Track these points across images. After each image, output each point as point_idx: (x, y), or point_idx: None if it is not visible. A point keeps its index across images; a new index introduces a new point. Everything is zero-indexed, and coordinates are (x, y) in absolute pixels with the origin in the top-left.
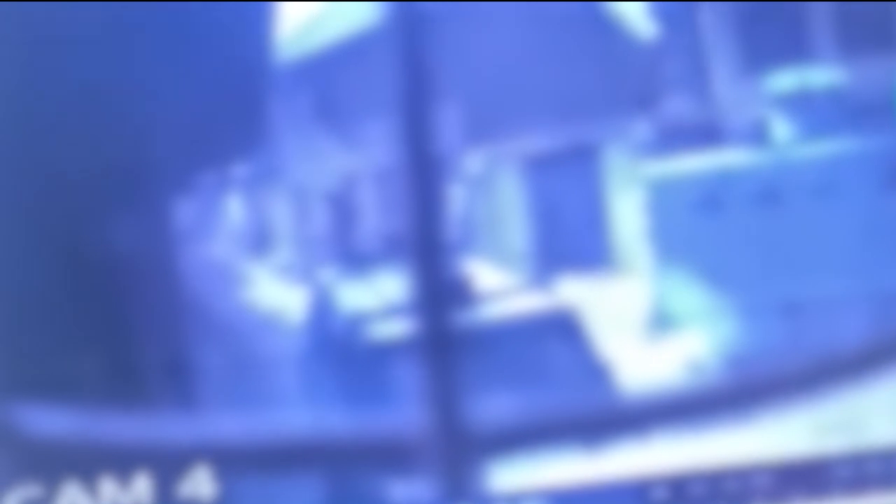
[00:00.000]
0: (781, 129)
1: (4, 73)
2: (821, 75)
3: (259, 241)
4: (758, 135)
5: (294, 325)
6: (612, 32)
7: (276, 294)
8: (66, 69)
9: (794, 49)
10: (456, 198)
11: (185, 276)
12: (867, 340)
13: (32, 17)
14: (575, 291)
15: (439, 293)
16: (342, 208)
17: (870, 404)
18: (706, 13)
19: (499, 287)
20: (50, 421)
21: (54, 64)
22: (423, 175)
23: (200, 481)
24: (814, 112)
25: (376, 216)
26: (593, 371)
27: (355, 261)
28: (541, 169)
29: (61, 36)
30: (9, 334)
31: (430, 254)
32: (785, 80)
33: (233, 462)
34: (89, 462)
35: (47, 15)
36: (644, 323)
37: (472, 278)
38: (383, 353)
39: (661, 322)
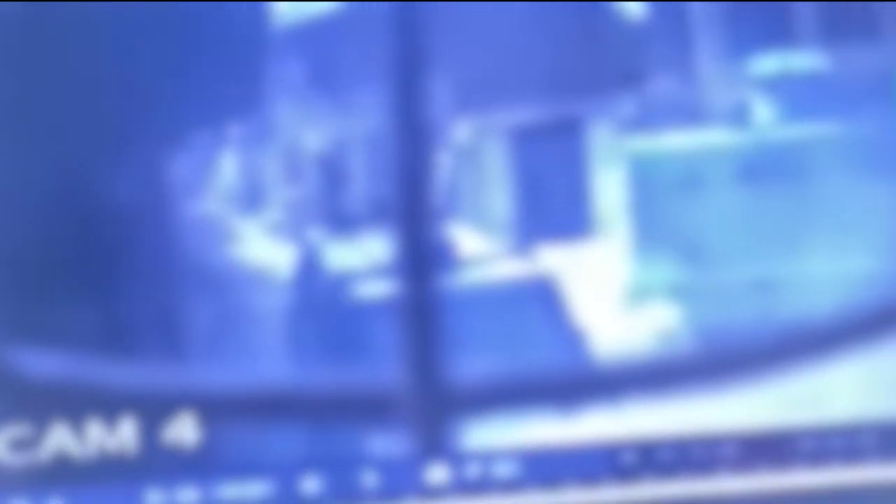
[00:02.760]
0: (762, 110)
1: (1, 30)
2: (803, 60)
3: (250, 200)
4: (739, 116)
5: (281, 282)
6: (601, 10)
7: (265, 251)
8: (67, 27)
9: (778, 33)
10: (443, 165)
11: (177, 230)
12: (835, 319)
13: None
14: (554, 260)
15: (423, 256)
16: (332, 171)
17: (835, 381)
18: None
19: (481, 253)
20: (41, 364)
21: (54, 22)
22: (412, 142)
23: (185, 427)
24: (795, 95)
25: (365, 180)
26: (569, 337)
27: (343, 222)
28: (526, 140)
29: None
30: (5, 282)
31: (415, 218)
32: (768, 63)
33: (217, 410)
34: (77, 404)
35: None
36: (620, 293)
37: (455, 243)
38: (366, 312)
39: (637, 293)
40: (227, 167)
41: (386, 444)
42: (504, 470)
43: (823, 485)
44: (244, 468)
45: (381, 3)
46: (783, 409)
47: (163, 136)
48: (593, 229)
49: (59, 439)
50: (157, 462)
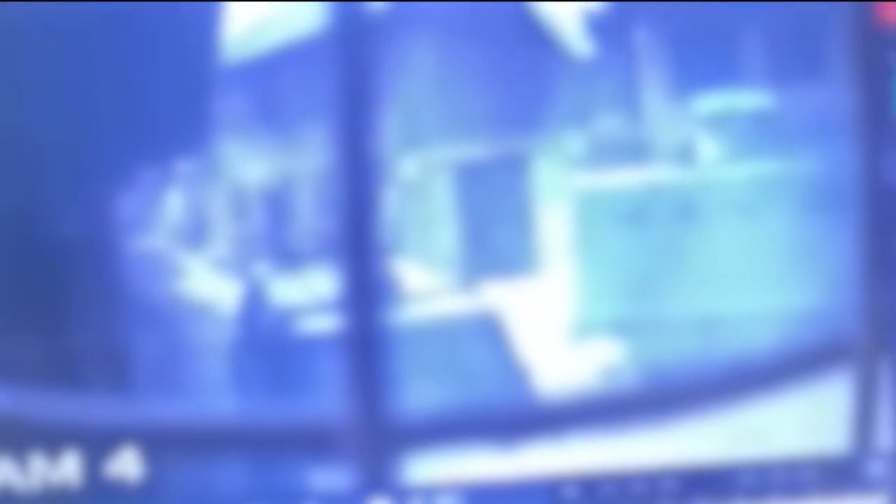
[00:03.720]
0: (708, 148)
1: None
2: (748, 98)
3: (196, 235)
4: (685, 153)
5: (226, 316)
6: (549, 47)
7: (210, 286)
8: (15, 63)
9: (724, 72)
10: (388, 200)
11: (123, 264)
12: (777, 355)
13: None
14: (499, 295)
15: (368, 291)
16: (278, 206)
17: (777, 416)
18: (640, 34)
19: (426, 288)
20: None
21: (3, 56)
22: (358, 177)
23: (128, 462)
24: (740, 133)
25: (311, 215)
26: (513, 372)
27: (288, 257)
28: (472, 176)
29: (11, 29)
30: None
31: (360, 253)
32: (713, 101)
33: (161, 445)
34: (20, 438)
35: None
36: (565, 328)
37: (400, 278)
38: (311, 346)
39: (581, 328)
40: (174, 202)
41: (330, 477)
42: None
43: None
44: (188, 502)
45: (327, 38)
46: (725, 443)
47: (109, 171)
48: (538, 265)
49: (3, 472)
50: (101, 496)
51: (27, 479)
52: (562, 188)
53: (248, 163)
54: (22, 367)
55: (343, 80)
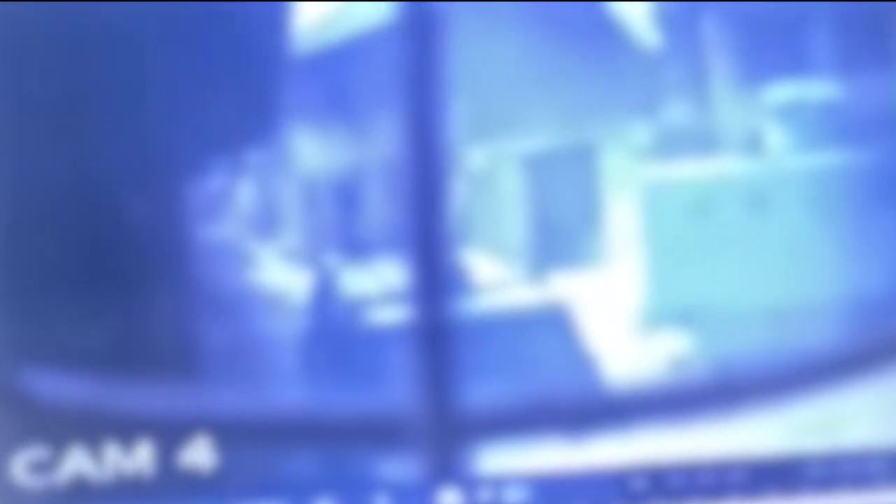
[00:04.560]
0: (776, 138)
1: (27, 56)
2: (817, 88)
3: (267, 225)
4: (753, 143)
5: (296, 307)
6: (616, 38)
7: (281, 276)
8: (90, 55)
9: (792, 61)
10: (457, 192)
11: (194, 254)
12: (846, 346)
13: (57, 5)
14: (567, 286)
15: (437, 282)
16: (348, 197)
17: (845, 408)
18: (708, 23)
19: (494, 279)
20: (58, 387)
21: (77, 49)
22: (427, 168)
23: (200, 451)
24: (808, 123)
25: (380, 206)
26: (581, 363)
27: (358, 248)
28: (540, 168)
29: (83, 21)
30: (23, 303)
31: (429, 244)
32: (782, 91)
33: (232, 434)
34: (94, 428)
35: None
36: (632, 320)
37: (469, 270)
38: (380, 337)
39: (649, 320)
40: (244, 192)
41: (398, 468)
42: (515, 495)
43: None
44: (258, 491)
45: (397, 29)
46: (793, 435)
47: (182, 161)
48: (606, 256)
49: (77, 462)
50: (173, 485)
51: (100, 468)
52: (630, 179)
53: (319, 153)
54: (94, 356)
55: (412, 70)
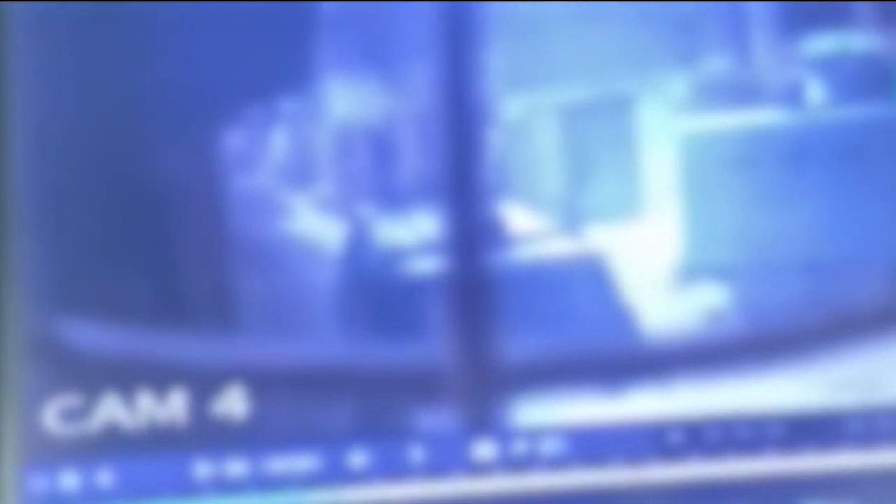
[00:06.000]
0: (816, 91)
1: (60, 9)
2: (858, 40)
3: (301, 175)
4: (793, 96)
5: (331, 256)
6: None
7: (315, 226)
8: (123, 5)
9: (834, 13)
10: (493, 142)
11: (228, 203)
12: (885, 300)
13: None
14: (604, 238)
15: (473, 233)
16: (382, 146)
17: (885, 362)
18: None
19: (531, 230)
20: (92, 335)
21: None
22: (463, 118)
23: (234, 400)
24: (849, 76)
25: (415, 156)
26: (618, 316)
27: (393, 198)
28: (577, 118)
29: None
30: (57, 252)
31: (465, 195)
32: (823, 43)
33: (266, 383)
34: (128, 376)
35: None
36: (669, 272)
37: (505, 220)
38: (416, 288)
39: (687, 272)
40: (279, 142)
41: (434, 419)
42: (550, 447)
43: (871, 466)
44: (292, 442)
45: None
46: (832, 390)
47: (214, 110)
48: (643, 208)
49: (110, 410)
50: (207, 434)
51: (134, 416)
52: (667, 131)
53: (353, 102)
54: (129, 305)
55: (448, 19)
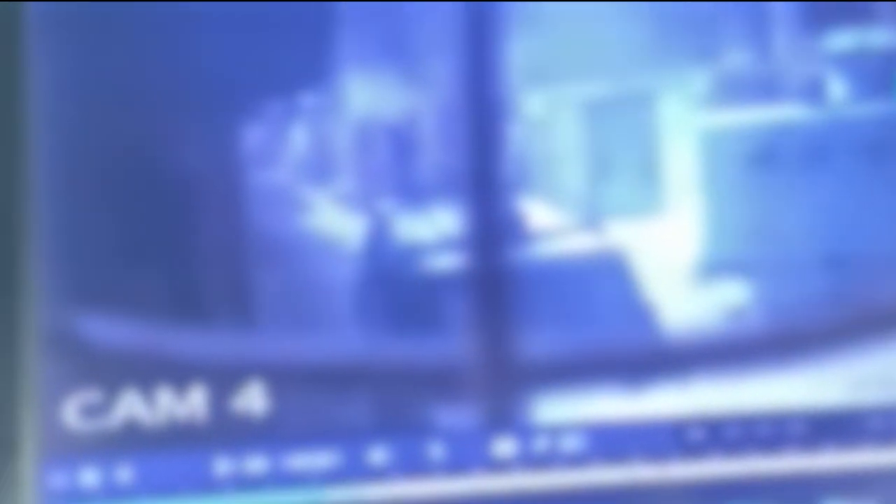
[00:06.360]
0: (837, 87)
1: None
2: (879, 36)
3: (321, 170)
4: (814, 92)
5: (351, 252)
6: None
7: (335, 221)
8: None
9: (855, 9)
10: (514, 137)
11: (248, 199)
12: None
13: None
14: (625, 234)
15: (493, 229)
16: (403, 142)
17: None
18: None
19: (551, 226)
20: (112, 331)
21: None
22: (483, 113)
23: (254, 396)
24: (870, 72)
25: (436, 151)
26: (638, 312)
27: (413, 193)
28: (598, 114)
29: None
30: (76, 248)
31: (485, 190)
32: (844, 39)
33: (286, 379)
34: (148, 372)
35: None
36: (690, 269)
37: (525, 216)
38: (436, 284)
39: (707, 269)
40: (299, 137)
41: (454, 416)
42: (571, 444)
43: (892, 464)
44: (311, 438)
45: None
46: (852, 387)
47: (234, 105)
48: (664, 204)
49: (130, 406)
50: (226, 430)
51: (154, 413)
52: (688, 127)
53: (373, 97)
54: (148, 301)
55: (469, 14)
